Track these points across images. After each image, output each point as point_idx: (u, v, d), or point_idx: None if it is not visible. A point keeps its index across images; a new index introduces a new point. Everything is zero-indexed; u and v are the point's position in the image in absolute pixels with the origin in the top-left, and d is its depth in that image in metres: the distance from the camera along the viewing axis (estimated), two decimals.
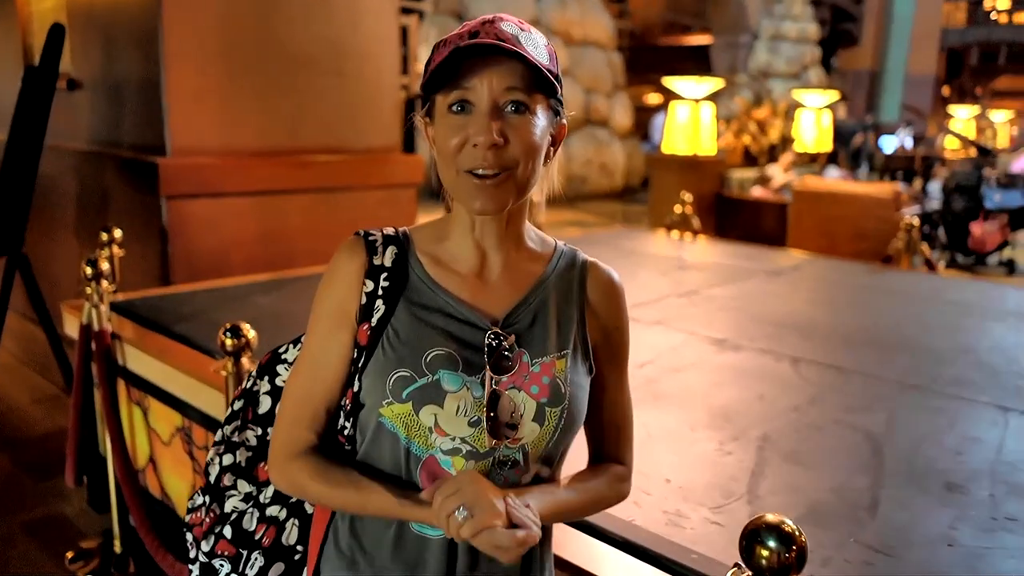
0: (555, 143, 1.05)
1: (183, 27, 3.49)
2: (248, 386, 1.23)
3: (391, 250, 1.05)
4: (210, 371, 2.19)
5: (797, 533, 1.03)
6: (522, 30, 0.99)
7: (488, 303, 1.05)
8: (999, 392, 2.39)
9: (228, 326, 1.89)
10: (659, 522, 1.56)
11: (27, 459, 3.55)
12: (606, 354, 1.12)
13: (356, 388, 1.03)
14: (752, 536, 1.04)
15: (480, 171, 0.96)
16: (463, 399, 0.99)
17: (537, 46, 0.98)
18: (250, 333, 1.90)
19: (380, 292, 1.03)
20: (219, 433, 1.22)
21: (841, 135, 12.29)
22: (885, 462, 1.86)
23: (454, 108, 0.97)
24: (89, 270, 2.58)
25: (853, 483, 1.76)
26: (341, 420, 1.06)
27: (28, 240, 3.82)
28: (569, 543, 1.48)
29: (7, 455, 3.58)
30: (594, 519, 1.53)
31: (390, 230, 1.09)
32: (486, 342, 1.01)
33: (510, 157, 0.96)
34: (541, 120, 0.99)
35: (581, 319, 1.09)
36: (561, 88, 1.02)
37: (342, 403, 1.06)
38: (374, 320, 1.02)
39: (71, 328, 2.83)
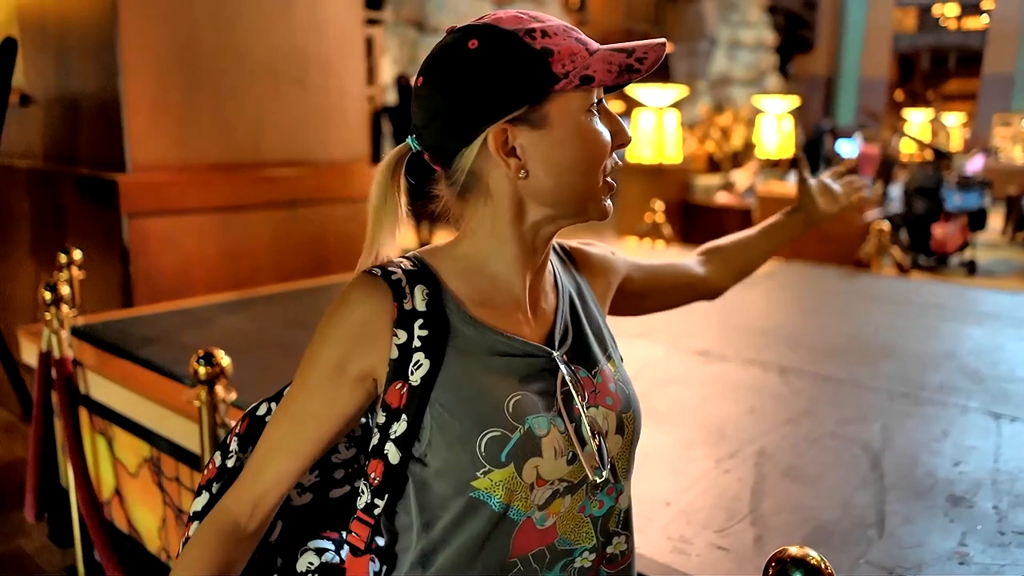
0: None
1: (140, 38, 3.38)
2: (224, 463, 1.00)
3: (420, 290, 0.88)
4: (180, 399, 2.09)
5: (823, 566, 0.97)
6: None
7: (533, 329, 0.94)
8: (987, 397, 2.36)
9: (201, 353, 1.79)
10: (664, 549, 1.49)
11: None
12: (625, 271, 1.15)
13: (396, 460, 0.87)
14: (777, 571, 0.98)
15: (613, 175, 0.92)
16: (555, 440, 0.88)
17: None
18: (224, 360, 1.79)
19: (417, 344, 0.86)
20: (192, 507, 1.02)
21: (813, 137, 12.49)
22: (885, 475, 1.82)
23: (595, 107, 0.89)
24: (48, 295, 2.46)
25: (856, 499, 1.71)
26: (367, 497, 0.90)
27: None
28: None
29: None
30: None
31: (407, 263, 0.91)
32: (561, 367, 0.92)
33: None
34: None
35: (599, 311, 1.05)
36: None
37: (368, 477, 0.90)
38: (415, 378, 0.86)
39: (29, 355, 2.69)
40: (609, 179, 0.91)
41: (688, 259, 1.32)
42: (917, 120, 16.80)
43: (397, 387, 0.86)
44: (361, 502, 0.91)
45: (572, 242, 1.11)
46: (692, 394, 2.36)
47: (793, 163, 10.56)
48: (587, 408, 0.92)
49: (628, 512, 1.00)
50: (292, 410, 0.91)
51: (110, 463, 2.52)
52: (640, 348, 2.74)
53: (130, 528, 2.48)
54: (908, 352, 2.82)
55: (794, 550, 0.98)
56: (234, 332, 2.79)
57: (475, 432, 0.84)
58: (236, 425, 1.03)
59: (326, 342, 0.89)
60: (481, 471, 0.84)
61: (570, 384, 0.91)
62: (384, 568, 0.96)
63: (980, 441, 2.05)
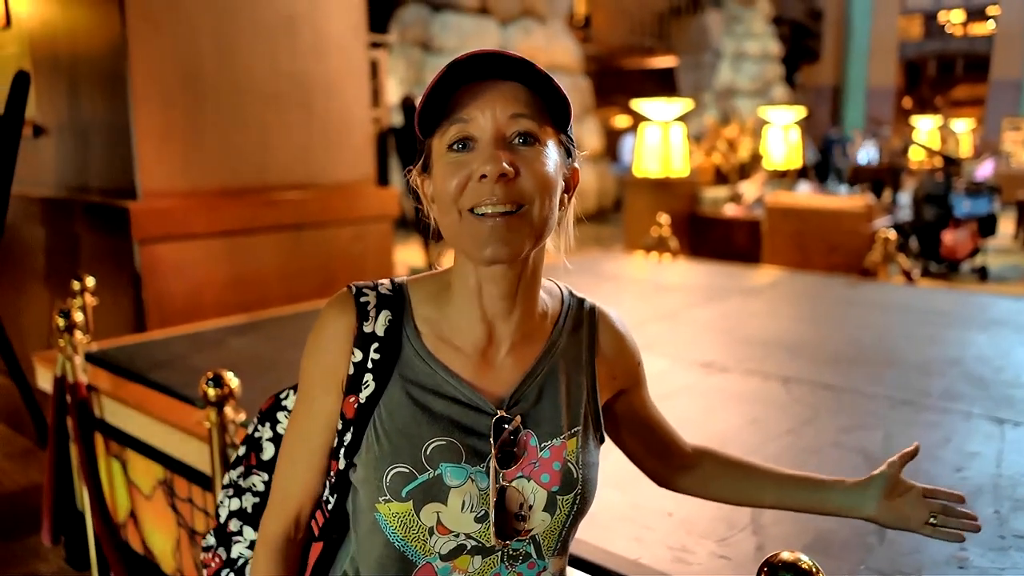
0: (569, 189, 0.92)
1: (149, 68, 3.45)
2: (250, 432, 1.17)
3: (384, 316, 0.92)
4: (191, 421, 2.13)
5: (814, 570, 0.99)
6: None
7: (492, 380, 0.93)
8: (991, 403, 2.37)
9: (210, 375, 1.83)
10: (665, 559, 1.52)
11: (0, 517, 3.43)
12: (633, 387, 1.09)
13: (343, 465, 0.93)
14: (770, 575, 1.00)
15: (488, 208, 0.82)
16: (468, 493, 0.89)
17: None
18: (233, 382, 1.84)
19: (370, 365, 0.91)
20: (226, 476, 1.17)
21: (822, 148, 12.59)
22: None
23: (454, 147, 0.84)
24: (62, 321, 2.51)
25: None
26: (325, 493, 0.98)
27: None
28: None
29: None
30: (598, 558, 1.49)
31: (386, 287, 0.95)
32: (492, 430, 0.90)
33: (521, 192, 0.83)
34: (553, 153, 0.87)
35: (592, 386, 1.00)
36: (571, 120, 0.89)
37: (329, 474, 0.97)
38: (362, 396, 0.91)
39: (44, 381, 2.74)
40: (476, 212, 0.83)
41: (680, 437, 1.19)
42: (925, 127, 16.78)
43: (351, 400, 0.92)
44: (324, 496, 0.99)
45: (608, 315, 1.06)
46: (695, 406, 2.38)
47: (801, 173, 10.56)
48: (517, 477, 0.91)
49: None
50: (295, 427, 0.99)
51: (125, 486, 2.56)
52: (644, 361, 2.76)
53: (145, 550, 2.52)
54: (912, 359, 2.84)
55: (786, 555, 1.00)
56: (244, 354, 2.84)
57: (386, 462, 0.89)
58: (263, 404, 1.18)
59: (308, 355, 0.97)
60: (383, 499, 0.89)
61: (492, 453, 0.89)
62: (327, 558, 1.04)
63: (983, 447, 2.06)
